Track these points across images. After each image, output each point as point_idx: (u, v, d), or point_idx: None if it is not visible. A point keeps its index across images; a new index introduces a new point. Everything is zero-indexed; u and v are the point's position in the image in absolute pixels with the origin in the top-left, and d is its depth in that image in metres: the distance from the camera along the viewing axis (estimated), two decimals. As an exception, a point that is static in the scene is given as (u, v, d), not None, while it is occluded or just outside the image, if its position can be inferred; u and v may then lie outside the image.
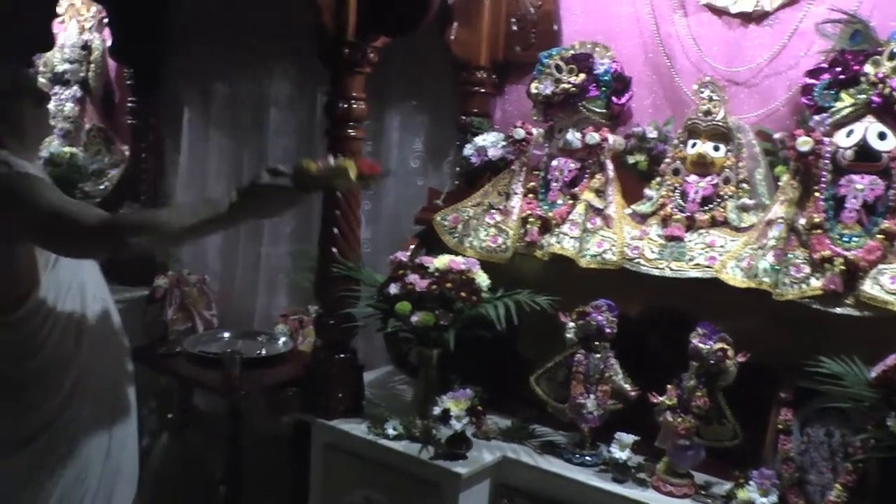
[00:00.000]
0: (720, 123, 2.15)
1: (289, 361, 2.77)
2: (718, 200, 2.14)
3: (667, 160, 2.24)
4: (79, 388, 1.99)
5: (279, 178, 1.73)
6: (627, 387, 2.07)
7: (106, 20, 3.90)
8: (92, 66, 4.07)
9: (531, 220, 2.32)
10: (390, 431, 2.15)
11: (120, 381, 2.11)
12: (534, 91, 2.37)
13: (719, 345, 1.90)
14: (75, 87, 4.10)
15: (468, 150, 2.54)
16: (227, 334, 2.98)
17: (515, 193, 2.39)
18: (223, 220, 1.79)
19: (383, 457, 2.13)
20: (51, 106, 3.84)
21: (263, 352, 2.78)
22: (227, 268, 3.48)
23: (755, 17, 2.23)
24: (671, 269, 2.09)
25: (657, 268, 2.11)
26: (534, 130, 2.39)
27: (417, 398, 2.24)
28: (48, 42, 3.72)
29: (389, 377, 2.63)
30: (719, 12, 2.29)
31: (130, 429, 2.15)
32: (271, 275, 3.30)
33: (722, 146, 2.15)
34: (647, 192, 2.26)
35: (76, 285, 1.99)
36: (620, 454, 1.98)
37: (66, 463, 1.98)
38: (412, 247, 2.44)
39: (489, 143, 2.52)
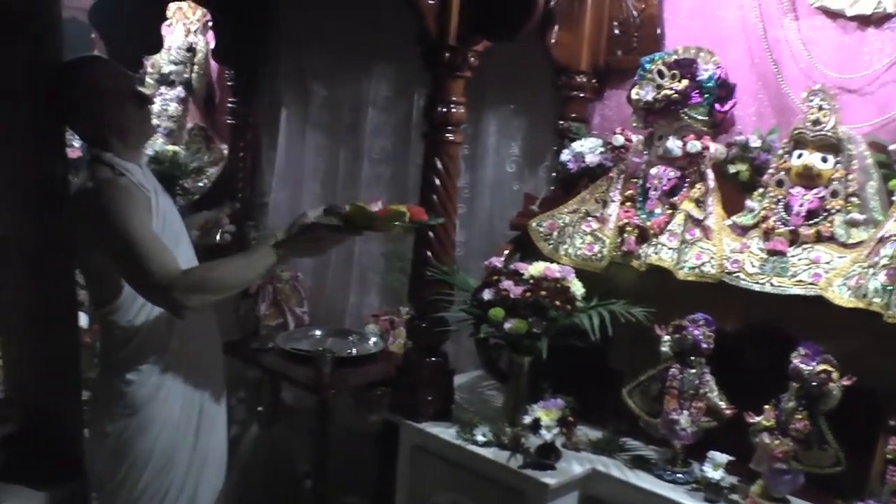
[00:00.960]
0: (829, 134, 2.05)
1: (379, 361, 2.79)
2: (825, 214, 2.05)
3: (770, 171, 2.16)
4: (169, 373, 2.05)
5: (332, 218, 1.85)
6: (722, 404, 2.00)
7: (210, 23, 4.02)
8: (195, 67, 4.21)
9: (628, 228, 2.27)
10: (479, 438, 2.14)
11: (210, 370, 2.17)
12: (634, 97, 2.32)
13: (822, 366, 1.82)
14: (179, 88, 4.24)
15: (565, 155, 2.51)
16: (318, 332, 3.02)
17: (613, 201, 2.34)
18: (273, 262, 1.90)
19: (471, 462, 2.12)
20: (156, 106, 4.00)
21: (354, 351, 2.81)
22: (320, 265, 3.54)
23: (874, 20, 2.12)
24: (772, 285, 2.01)
25: (758, 283, 2.04)
26: (633, 137, 2.35)
27: (507, 405, 2.22)
28: (157, 45, 3.85)
29: (478, 382, 2.62)
30: (834, 15, 2.18)
31: (219, 417, 2.20)
32: (363, 273, 3.34)
33: (830, 157, 2.06)
34: (749, 203, 2.18)
35: None
36: (714, 474, 1.93)
37: (155, 447, 2.04)
38: (506, 252, 2.42)
39: (587, 149, 2.48)
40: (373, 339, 2.91)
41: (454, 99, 2.16)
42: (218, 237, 2.39)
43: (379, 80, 3.28)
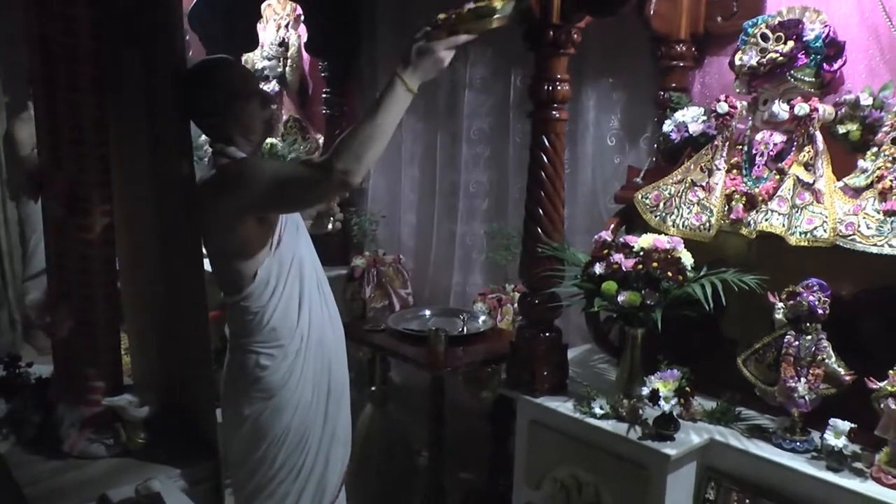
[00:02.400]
0: (950, 85, 1.99)
1: (489, 339, 2.84)
2: (946, 170, 1.98)
3: (884, 129, 2.09)
4: (300, 357, 2.13)
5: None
6: (841, 370, 1.97)
7: (302, 17, 4.12)
8: (288, 61, 4.32)
9: (736, 196, 2.25)
10: (597, 410, 2.16)
11: (335, 352, 2.24)
12: (737, 62, 2.29)
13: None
14: (273, 82, 4.37)
15: (668, 126, 2.49)
16: (427, 312, 3.09)
17: (718, 169, 2.32)
18: (400, 96, 1.87)
19: (589, 435, 2.15)
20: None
21: (465, 329, 2.86)
22: (422, 247, 3.61)
23: None
24: (891, 246, 1.96)
25: (875, 245, 1.99)
26: (737, 103, 2.31)
27: (621, 378, 2.24)
28: (253, 42, 3.98)
29: (588, 356, 2.64)
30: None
31: (345, 396, 2.28)
32: (466, 253, 3.39)
33: (951, 110, 1.99)
34: (861, 163, 2.12)
35: (296, 262, 2.13)
36: (836, 441, 1.90)
37: (290, 427, 2.14)
38: (612, 226, 2.43)
39: (689, 118, 2.46)
40: (482, 318, 2.95)
41: (559, 76, 2.18)
42: (330, 225, 2.46)
43: (475, 63, 3.31)
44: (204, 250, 2.17)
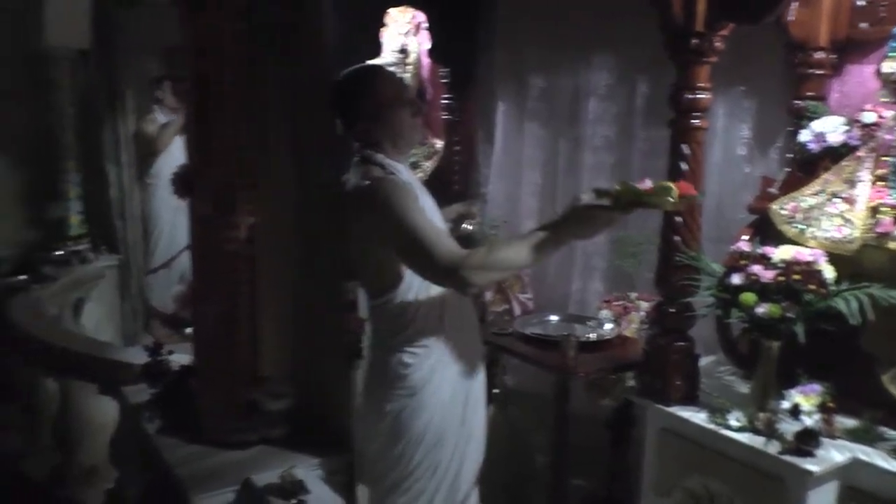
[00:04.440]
0: None
1: (615, 346, 2.83)
2: None
3: None
4: (442, 358, 2.18)
5: (601, 199, 1.89)
6: None
7: (424, 24, 4.20)
8: (409, 67, 4.41)
9: (882, 209, 2.18)
10: (733, 422, 2.13)
11: (474, 353, 2.28)
12: (886, 70, 2.22)
13: None
14: (394, 89, 4.45)
15: (805, 135, 2.43)
16: (553, 317, 3.10)
17: (862, 181, 2.24)
18: (550, 244, 1.96)
19: (724, 447, 2.12)
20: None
21: (593, 336, 2.86)
22: (543, 252, 3.62)
23: None
24: None
25: None
26: (885, 113, 2.24)
27: (756, 390, 2.20)
28: (378, 50, 4.08)
29: (714, 367, 2.60)
30: None
31: (482, 397, 2.32)
32: (588, 260, 3.38)
33: None
34: None
35: None
36: None
37: (429, 426, 2.17)
38: (747, 236, 2.39)
39: (829, 128, 2.39)
40: (608, 325, 2.94)
41: (700, 85, 2.16)
42: (470, 227, 2.51)
43: (599, 69, 3.30)
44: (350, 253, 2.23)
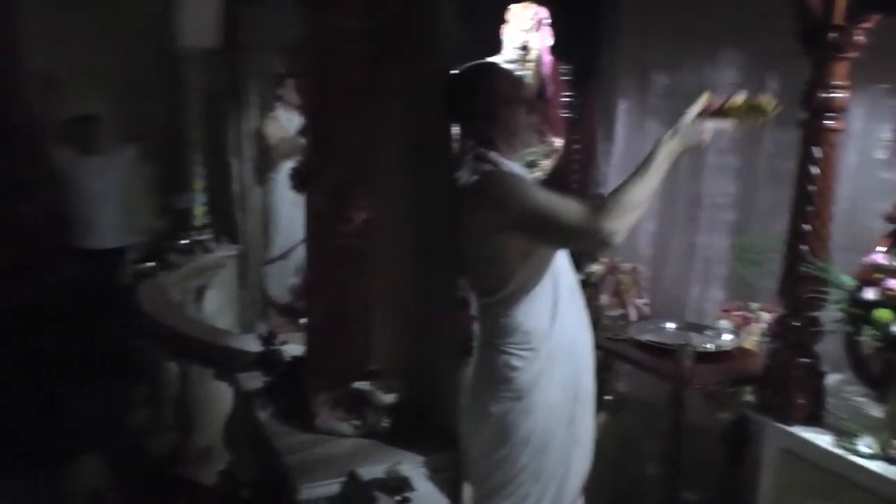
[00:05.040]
0: None
1: (734, 358, 2.70)
2: None
3: None
4: (551, 361, 2.12)
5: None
6: None
7: (547, 20, 4.14)
8: (529, 65, 4.36)
9: None
10: (863, 448, 1.98)
11: (585, 358, 2.22)
12: None
13: None
14: (514, 86, 4.42)
15: (954, 139, 2.25)
16: (670, 325, 2.99)
17: None
18: (665, 159, 1.95)
19: (852, 474, 1.99)
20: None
21: (711, 346, 2.74)
22: (659, 256, 3.50)
23: None
24: None
25: None
26: None
27: (891, 415, 2.04)
28: (499, 47, 4.06)
29: (842, 386, 2.43)
30: None
31: (590, 403, 2.24)
32: (707, 266, 3.24)
33: None
34: None
35: (552, 267, 2.12)
36: None
37: (535, 430, 2.12)
38: (881, 248, 2.22)
39: None
40: (727, 336, 2.81)
41: (837, 83, 2.03)
42: None
43: (725, 66, 3.15)
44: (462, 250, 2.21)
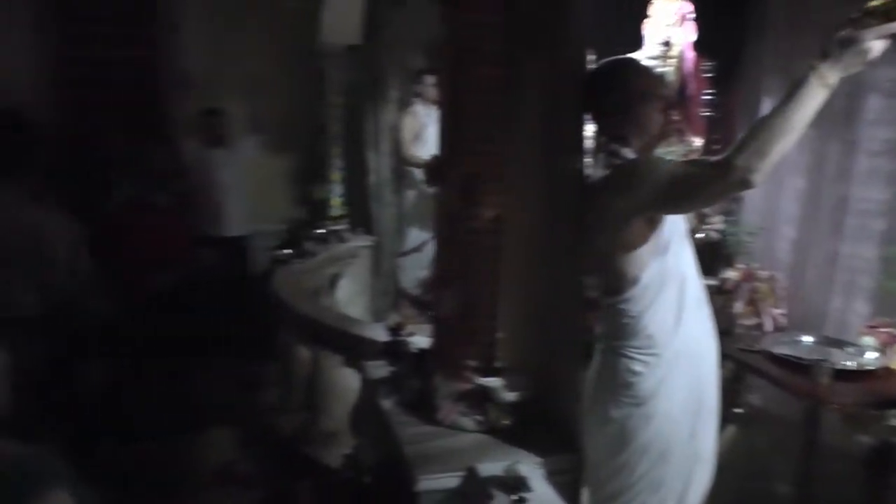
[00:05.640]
0: None
1: (878, 378, 2.53)
2: None
3: None
4: (674, 368, 2.07)
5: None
6: None
7: (688, 15, 4.01)
8: (671, 61, 4.23)
9: None
10: None
11: (710, 368, 2.15)
12: None
13: None
14: (656, 82, 4.30)
15: None
16: (807, 338, 2.84)
17: None
18: (816, 90, 1.72)
19: None
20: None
21: (852, 364, 2.58)
22: (799, 265, 3.34)
23: None
24: None
25: None
26: None
27: None
28: (639, 43, 3.97)
29: None
30: None
31: (714, 416, 2.17)
32: (850, 277, 3.07)
33: None
34: None
35: (679, 272, 2.08)
36: None
37: (655, 438, 2.08)
38: None
39: None
40: (871, 354, 2.64)
41: None
42: (703, 234, 2.37)
43: (884, 62, 2.95)
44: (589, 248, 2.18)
